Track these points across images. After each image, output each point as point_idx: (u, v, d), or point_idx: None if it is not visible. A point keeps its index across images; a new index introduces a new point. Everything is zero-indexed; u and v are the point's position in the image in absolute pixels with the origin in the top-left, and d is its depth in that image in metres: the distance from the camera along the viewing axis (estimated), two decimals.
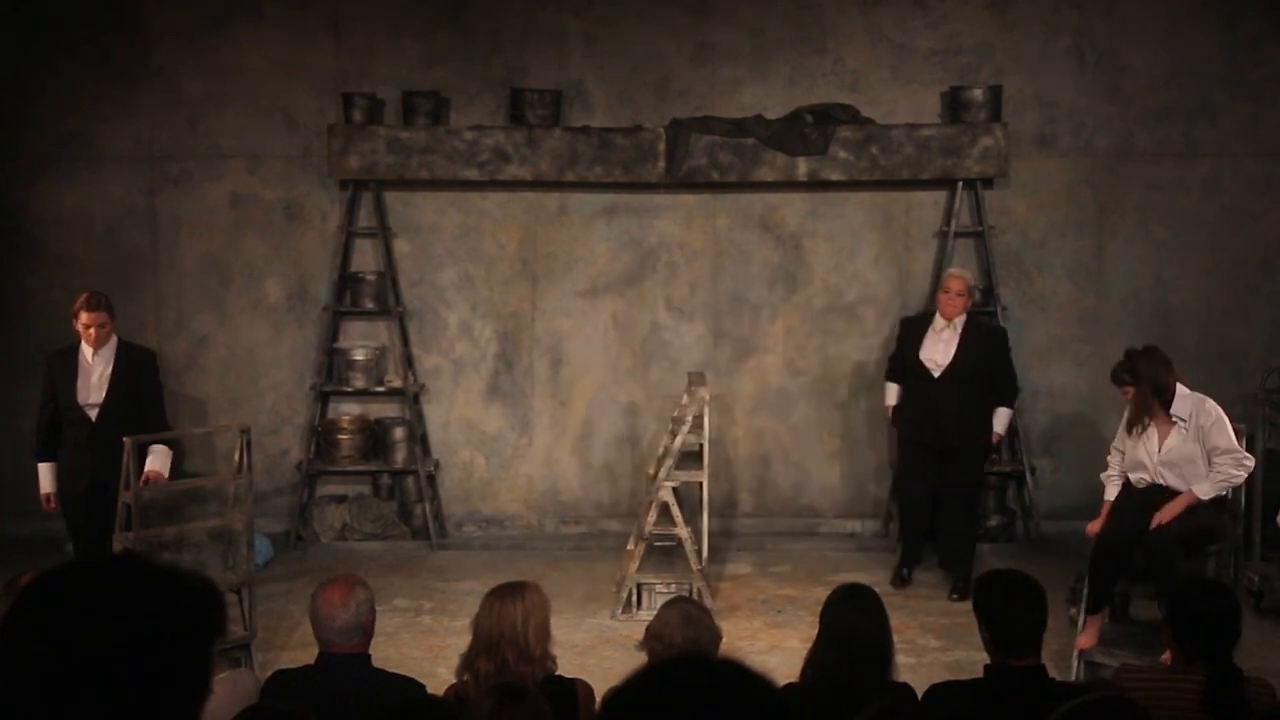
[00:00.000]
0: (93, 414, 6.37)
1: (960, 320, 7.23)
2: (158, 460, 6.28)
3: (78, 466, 6.35)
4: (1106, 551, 5.99)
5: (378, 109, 8.51)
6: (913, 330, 7.42)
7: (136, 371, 6.51)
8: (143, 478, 6.16)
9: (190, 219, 8.72)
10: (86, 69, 8.59)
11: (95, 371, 6.39)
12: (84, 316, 6.34)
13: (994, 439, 7.47)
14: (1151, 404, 6.01)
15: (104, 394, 6.38)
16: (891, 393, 7.61)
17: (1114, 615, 6.29)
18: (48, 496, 6.54)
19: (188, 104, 8.64)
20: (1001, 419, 7.43)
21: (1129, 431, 6.12)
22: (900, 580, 7.50)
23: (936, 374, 7.17)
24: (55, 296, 8.65)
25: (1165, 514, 5.85)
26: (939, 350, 7.21)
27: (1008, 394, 7.42)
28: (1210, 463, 5.92)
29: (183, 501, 5.97)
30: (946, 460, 7.28)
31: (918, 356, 7.25)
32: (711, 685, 1.47)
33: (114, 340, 6.46)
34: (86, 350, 6.40)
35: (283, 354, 8.81)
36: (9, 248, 8.65)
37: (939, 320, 7.27)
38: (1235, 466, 5.91)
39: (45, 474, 6.54)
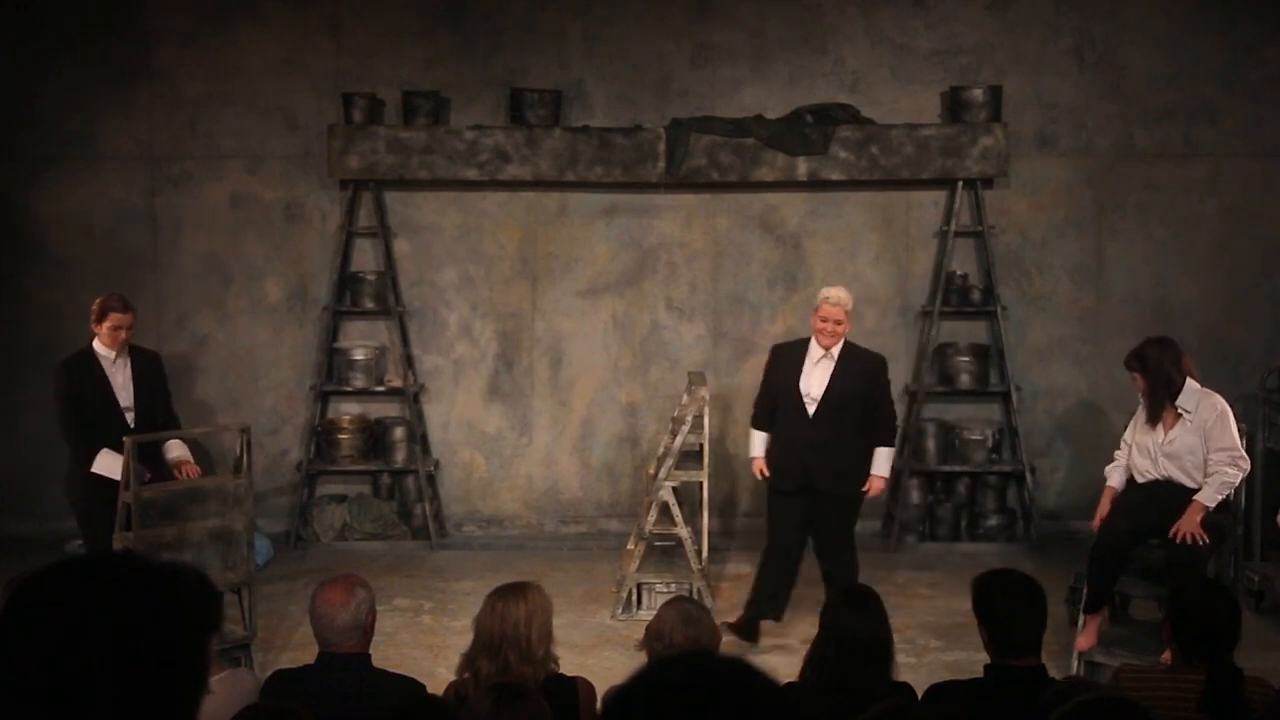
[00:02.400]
0: (129, 417, 6.24)
1: (838, 349, 6.34)
2: (179, 450, 6.29)
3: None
4: (1105, 551, 5.99)
5: (378, 109, 8.51)
6: (787, 358, 6.46)
7: (152, 372, 6.48)
8: (182, 471, 6.19)
9: (190, 219, 8.72)
10: (86, 69, 8.59)
11: (120, 374, 6.30)
12: (115, 318, 6.20)
13: (878, 484, 6.46)
14: (1161, 396, 5.99)
15: (133, 396, 6.34)
16: (759, 442, 6.56)
17: (1114, 615, 6.28)
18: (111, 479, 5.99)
19: (188, 104, 8.64)
20: (882, 461, 6.43)
21: (1151, 423, 6.06)
22: (750, 633, 6.44)
23: (812, 408, 6.30)
24: (55, 297, 8.67)
25: (1184, 526, 5.81)
26: (814, 381, 6.32)
27: (887, 433, 6.49)
28: (1207, 459, 5.92)
29: (183, 501, 5.94)
30: (815, 502, 6.40)
31: (795, 386, 6.33)
32: (713, 684, 1.47)
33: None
34: (106, 353, 6.25)
35: (283, 354, 8.81)
36: (9, 248, 8.65)
37: (815, 349, 6.36)
38: (1230, 464, 5.90)
39: (107, 456, 6.04)
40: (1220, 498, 5.97)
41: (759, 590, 6.55)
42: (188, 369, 8.63)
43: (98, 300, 6.32)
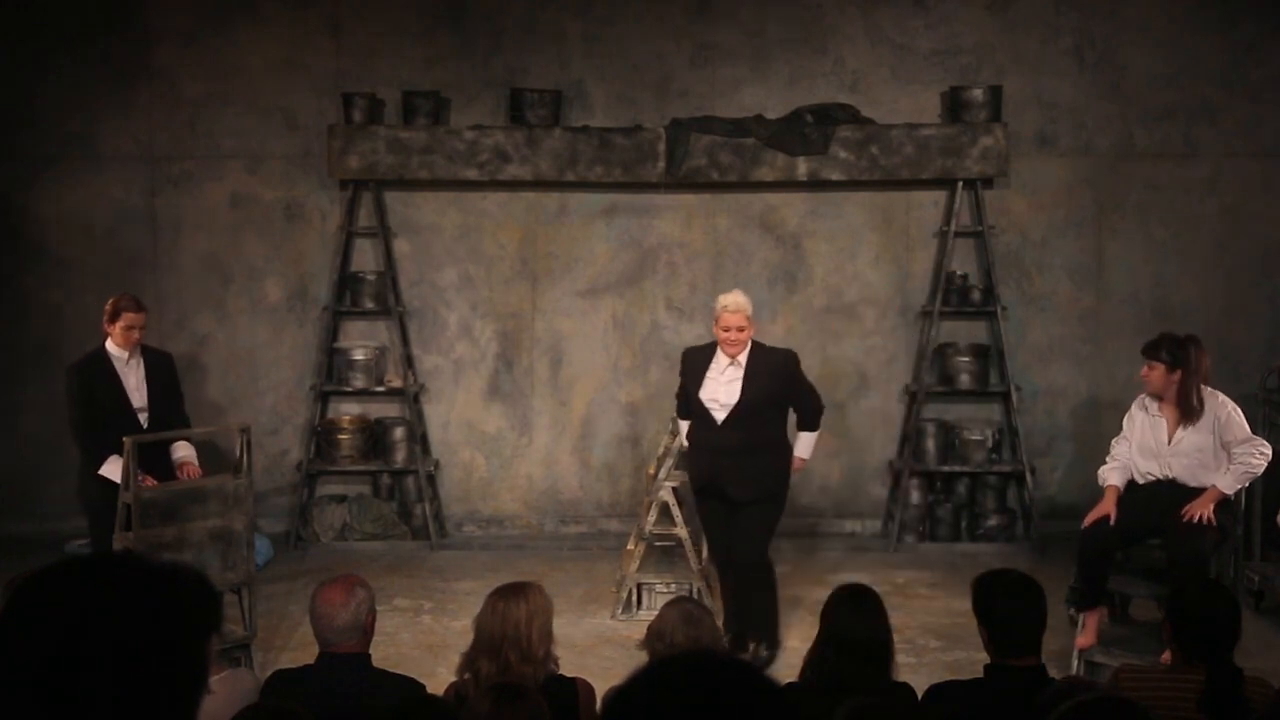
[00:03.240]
0: (143, 419, 6.24)
1: (745, 355, 6.10)
2: (184, 451, 6.29)
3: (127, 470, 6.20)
4: (1090, 547, 5.96)
5: (378, 109, 8.51)
6: (695, 364, 6.24)
7: (165, 372, 6.47)
8: (184, 471, 6.20)
9: (190, 219, 8.72)
10: (86, 69, 8.59)
11: (133, 375, 6.29)
12: (128, 318, 6.21)
13: (798, 464, 6.31)
14: (1190, 392, 5.96)
15: (146, 397, 6.33)
16: (686, 429, 6.43)
17: (1114, 615, 6.27)
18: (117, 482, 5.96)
19: (188, 104, 8.65)
20: (805, 443, 6.31)
21: (1190, 421, 5.96)
22: (739, 649, 6.05)
23: (721, 417, 6.07)
24: (55, 297, 8.67)
25: (1197, 507, 5.79)
26: (721, 390, 6.09)
27: (812, 419, 6.34)
28: (1229, 455, 5.90)
29: (183, 501, 5.94)
30: (731, 509, 6.15)
31: (698, 395, 6.14)
32: (714, 684, 1.47)
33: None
34: (118, 354, 6.25)
35: (283, 354, 8.81)
36: (9, 248, 8.65)
37: (721, 357, 6.13)
38: (1256, 455, 5.88)
39: (117, 462, 5.93)
40: (1239, 487, 5.96)
41: (726, 609, 6.36)
42: (188, 369, 8.60)
43: (111, 300, 6.33)
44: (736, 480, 6.08)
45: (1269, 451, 5.97)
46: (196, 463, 6.32)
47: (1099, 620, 6.02)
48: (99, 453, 6.09)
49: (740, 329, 6.05)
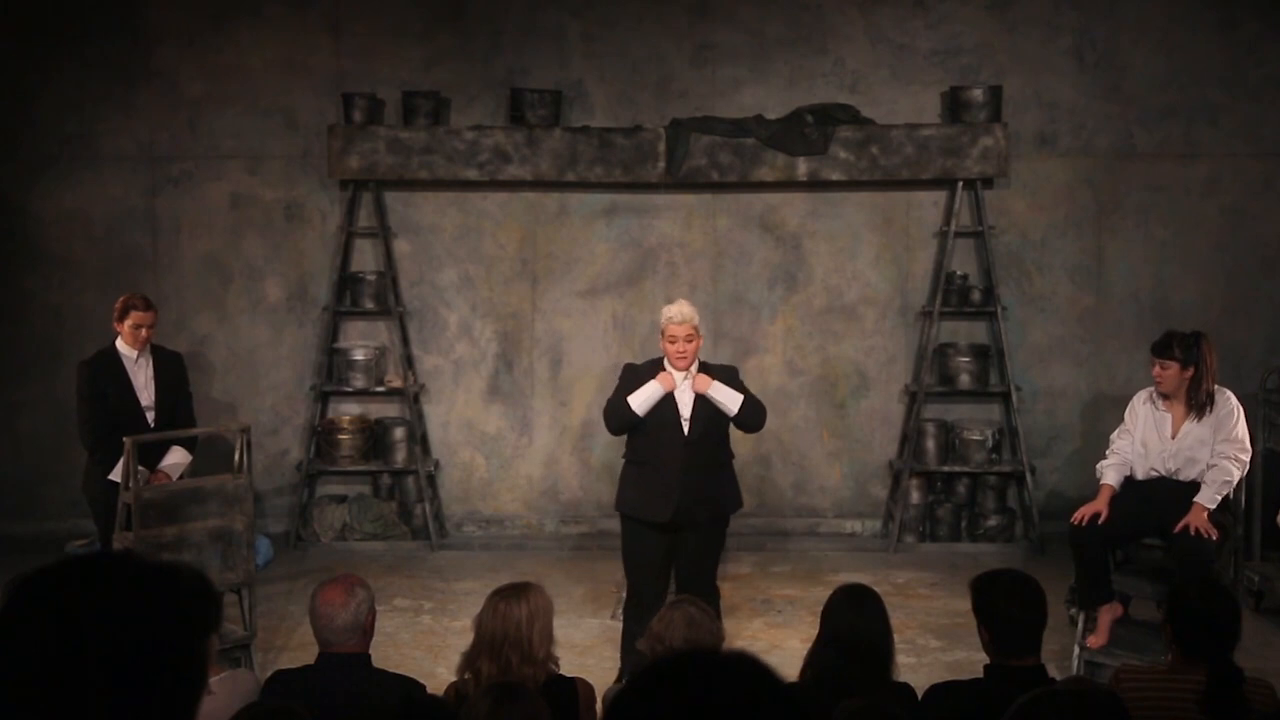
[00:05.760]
0: (150, 417, 6.32)
1: (695, 368, 5.79)
2: (173, 458, 6.32)
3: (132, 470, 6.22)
4: (1087, 544, 5.95)
5: (378, 109, 8.51)
6: (640, 382, 5.82)
7: (174, 371, 6.53)
8: (156, 478, 6.20)
9: (190, 219, 8.72)
10: (86, 69, 8.59)
11: (142, 374, 6.37)
12: (136, 316, 6.29)
13: (704, 383, 5.74)
14: (1201, 389, 5.94)
15: (154, 396, 6.37)
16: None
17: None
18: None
19: (188, 104, 8.64)
20: (728, 391, 5.78)
21: (1199, 416, 5.96)
22: None
23: (687, 430, 5.73)
24: (55, 297, 8.67)
25: (1193, 519, 5.76)
26: (684, 405, 5.75)
27: (748, 394, 5.87)
28: (1212, 451, 5.89)
29: (183, 501, 5.94)
30: (682, 537, 5.80)
31: (674, 409, 5.74)
32: (718, 683, 1.47)
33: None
34: (128, 352, 6.33)
35: (283, 354, 8.81)
36: (9, 248, 8.65)
37: (676, 373, 5.78)
38: (1233, 459, 5.87)
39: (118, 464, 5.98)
40: (1219, 498, 5.91)
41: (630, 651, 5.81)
42: (188, 369, 8.61)
43: (120, 299, 6.42)
44: (700, 500, 5.74)
45: (1246, 460, 5.97)
46: (176, 476, 6.30)
47: (1112, 617, 5.98)
48: (106, 452, 6.13)
49: (689, 339, 5.72)
